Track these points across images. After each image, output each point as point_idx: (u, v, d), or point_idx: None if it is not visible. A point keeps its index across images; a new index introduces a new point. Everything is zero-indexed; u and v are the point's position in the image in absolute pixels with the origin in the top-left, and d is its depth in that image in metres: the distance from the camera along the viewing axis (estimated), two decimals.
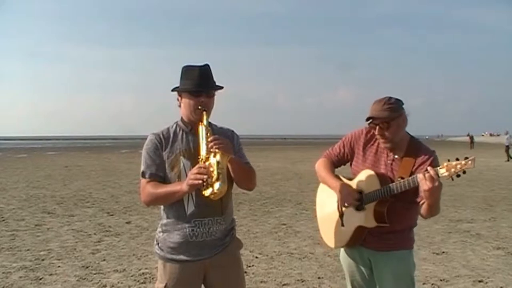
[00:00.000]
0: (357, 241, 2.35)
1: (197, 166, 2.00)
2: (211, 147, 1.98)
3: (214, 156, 1.99)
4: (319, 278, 4.49)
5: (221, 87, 2.18)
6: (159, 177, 2.14)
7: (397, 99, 2.28)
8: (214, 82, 2.18)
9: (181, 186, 2.03)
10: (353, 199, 2.28)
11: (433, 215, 2.24)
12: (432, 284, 4.30)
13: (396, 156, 2.31)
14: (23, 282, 4.34)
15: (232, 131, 2.31)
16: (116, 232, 6.57)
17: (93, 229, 6.81)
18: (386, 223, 2.23)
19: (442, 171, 2.02)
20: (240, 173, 2.15)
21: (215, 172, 1.96)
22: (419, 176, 2.06)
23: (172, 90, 2.21)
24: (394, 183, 2.20)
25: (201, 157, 2.04)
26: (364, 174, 2.33)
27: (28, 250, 5.53)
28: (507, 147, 24.72)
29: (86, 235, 6.39)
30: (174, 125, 2.24)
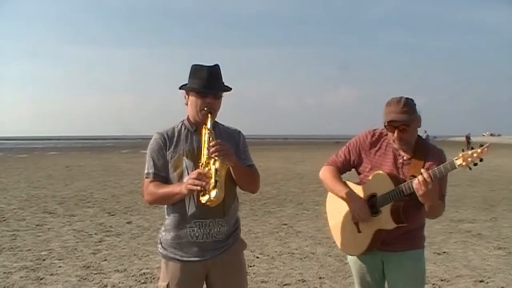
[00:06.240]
0: (376, 245, 2.29)
1: (196, 171, 2.01)
2: (212, 153, 1.98)
3: (214, 163, 1.99)
4: (320, 278, 4.49)
5: (230, 89, 2.17)
6: (162, 177, 2.15)
7: (411, 99, 2.23)
8: (223, 83, 2.16)
9: (181, 188, 2.04)
10: (365, 214, 2.24)
11: (436, 216, 2.28)
12: (433, 284, 4.30)
13: (406, 157, 2.28)
14: (24, 282, 4.35)
15: (239, 132, 2.29)
16: (117, 232, 6.57)
17: (94, 229, 6.81)
18: (404, 223, 2.21)
19: (459, 162, 2.01)
20: (241, 177, 2.14)
21: (213, 180, 1.97)
22: (414, 181, 2.08)
23: (180, 88, 2.20)
24: (407, 182, 2.17)
25: (201, 162, 2.04)
26: (376, 177, 2.28)
27: (29, 250, 5.54)
28: None
29: (87, 235, 6.39)
30: (180, 124, 2.23)
